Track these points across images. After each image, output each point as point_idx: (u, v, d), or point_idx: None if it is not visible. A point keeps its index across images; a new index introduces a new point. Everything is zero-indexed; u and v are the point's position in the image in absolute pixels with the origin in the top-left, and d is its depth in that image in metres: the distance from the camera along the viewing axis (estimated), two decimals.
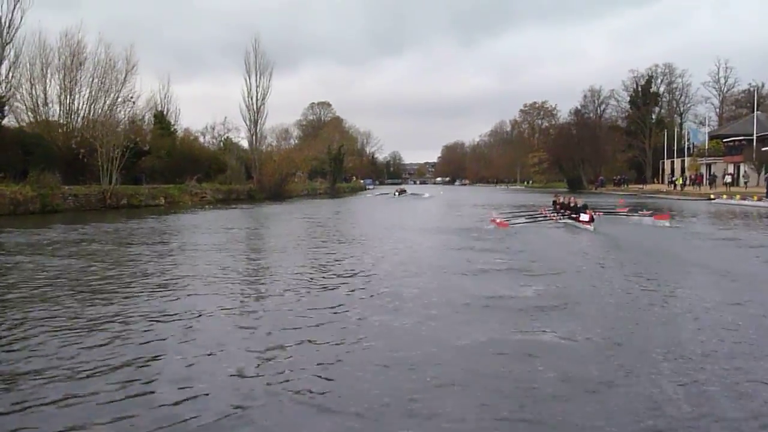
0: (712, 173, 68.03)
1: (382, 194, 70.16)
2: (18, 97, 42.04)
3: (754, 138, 61.02)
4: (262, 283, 10.76)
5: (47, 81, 44.73)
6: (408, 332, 7.21)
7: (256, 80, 59.73)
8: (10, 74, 38.16)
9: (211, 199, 48.06)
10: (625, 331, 7.18)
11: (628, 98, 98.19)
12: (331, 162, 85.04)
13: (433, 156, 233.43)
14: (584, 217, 20.44)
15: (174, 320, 7.84)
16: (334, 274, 11.51)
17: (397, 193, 62.18)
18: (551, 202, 28.05)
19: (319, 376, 5.67)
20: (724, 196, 39.87)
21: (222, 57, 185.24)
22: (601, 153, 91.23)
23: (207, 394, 5.20)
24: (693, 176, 66.79)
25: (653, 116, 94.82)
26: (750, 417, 4.70)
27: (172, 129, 59.37)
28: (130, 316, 8.07)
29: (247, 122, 60.49)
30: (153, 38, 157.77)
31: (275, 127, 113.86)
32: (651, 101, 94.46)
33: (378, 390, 5.26)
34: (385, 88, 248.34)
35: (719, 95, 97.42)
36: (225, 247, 16.33)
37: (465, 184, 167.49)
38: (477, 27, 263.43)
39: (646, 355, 6.17)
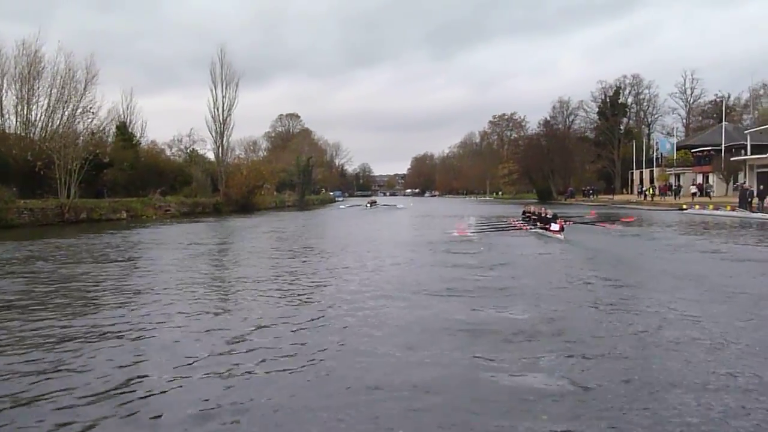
0: (677, 183, 68.34)
1: (353, 206, 69.66)
2: None
3: (723, 148, 61.40)
4: (220, 309, 9.66)
5: (3, 91, 43.15)
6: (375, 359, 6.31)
7: (223, 91, 58.47)
8: None
9: (175, 212, 46.59)
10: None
11: (597, 109, 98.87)
12: (300, 174, 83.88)
13: (402, 168, 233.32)
14: (555, 226, 21.12)
15: (113, 353, 6.81)
16: (306, 299, 10.51)
17: (369, 205, 63.03)
18: (521, 212, 29.10)
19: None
20: (697, 206, 39.63)
21: (193, 70, 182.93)
22: (571, 164, 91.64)
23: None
24: (661, 186, 66.98)
25: (622, 127, 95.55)
26: None
27: (136, 141, 57.78)
28: (60, 345, 7.02)
29: (213, 134, 59.13)
30: (123, 51, 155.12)
31: (244, 139, 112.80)
32: (619, 112, 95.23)
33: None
34: (357, 101, 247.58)
35: (686, 106, 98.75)
36: (183, 265, 15.15)
37: (435, 196, 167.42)
38: (450, 41, 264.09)
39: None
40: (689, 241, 20.08)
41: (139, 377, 5.98)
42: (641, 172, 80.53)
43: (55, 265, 15.37)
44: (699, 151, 68.77)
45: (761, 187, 39.44)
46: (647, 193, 61.55)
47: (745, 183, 54.23)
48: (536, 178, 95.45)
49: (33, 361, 6.56)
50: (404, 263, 14.79)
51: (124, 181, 49.55)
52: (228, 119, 58.82)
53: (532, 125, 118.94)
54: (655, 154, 77.20)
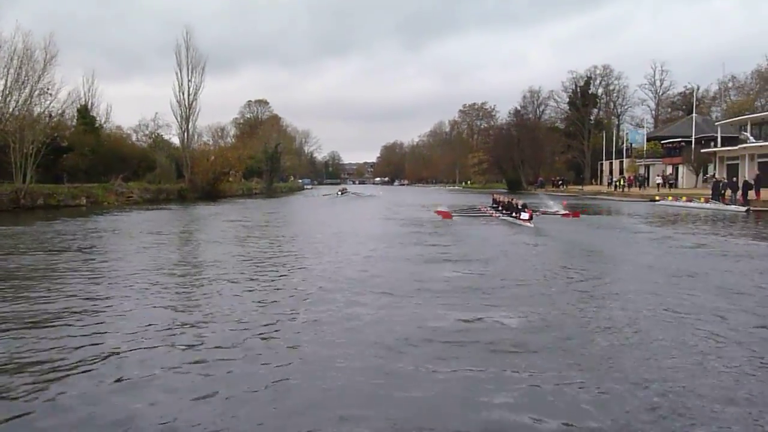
0: (642, 174, 68.46)
1: (324, 194, 69.48)
2: None
3: (693, 140, 61.54)
4: (175, 309, 8.67)
5: None
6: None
7: (188, 75, 56.72)
8: None
9: (138, 199, 45.06)
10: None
11: (567, 99, 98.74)
12: (268, 161, 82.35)
13: (372, 156, 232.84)
14: (524, 215, 22.18)
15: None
16: (270, 302, 9.55)
17: (339, 193, 64.48)
18: (491, 201, 30.24)
19: None
20: (670, 198, 39.26)
21: (162, 58, 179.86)
22: (540, 154, 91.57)
23: None
24: (629, 178, 66.93)
25: (592, 118, 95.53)
26: None
27: (98, 125, 55.84)
28: None
29: (179, 118, 57.31)
30: (90, 36, 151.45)
31: (212, 125, 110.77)
32: (590, 102, 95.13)
33: None
34: (327, 90, 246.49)
35: (655, 98, 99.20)
36: (136, 257, 14.08)
37: (404, 185, 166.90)
38: (422, 31, 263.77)
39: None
40: (669, 235, 19.46)
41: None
42: (611, 163, 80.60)
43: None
44: (669, 143, 68.93)
45: (734, 179, 39.25)
46: (618, 184, 61.38)
47: (715, 174, 54.49)
48: (506, 168, 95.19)
49: None
50: (376, 258, 13.85)
51: (85, 167, 47.86)
52: (194, 104, 57.15)
53: (503, 115, 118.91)
54: (625, 144, 77.28)
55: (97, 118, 58.71)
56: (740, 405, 4.86)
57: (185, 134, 57.63)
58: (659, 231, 20.92)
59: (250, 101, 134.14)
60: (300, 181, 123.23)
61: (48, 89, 41.38)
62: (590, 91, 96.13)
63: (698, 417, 4.60)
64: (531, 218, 21.79)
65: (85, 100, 55.92)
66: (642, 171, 70.77)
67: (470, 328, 7.20)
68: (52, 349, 6.41)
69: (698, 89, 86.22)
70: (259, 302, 8.83)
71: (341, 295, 9.13)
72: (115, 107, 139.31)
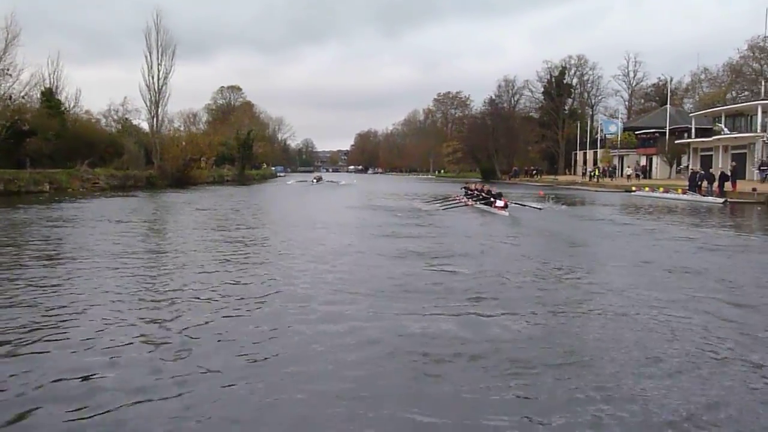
0: (612, 165, 68.52)
1: (298, 182, 68.52)
2: None
3: (667, 131, 61.62)
4: (129, 308, 7.87)
5: None
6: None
7: (158, 58, 55.12)
8: None
9: (104, 185, 43.64)
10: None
11: (542, 89, 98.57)
12: (240, 148, 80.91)
13: (346, 144, 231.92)
14: (499, 203, 22.62)
15: None
16: (237, 303, 8.76)
17: (314, 180, 64.22)
18: (462, 188, 30.56)
19: None
20: (646, 189, 38.99)
21: (136, 42, 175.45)
22: (515, 144, 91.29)
23: None
24: (602, 168, 66.85)
25: (566, 108, 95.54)
26: None
27: (64, 109, 54.01)
28: None
29: (148, 103, 55.71)
30: (61, 18, 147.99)
31: (185, 112, 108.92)
32: (564, 92, 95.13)
33: None
34: (303, 77, 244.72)
35: (628, 89, 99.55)
36: (88, 249, 13.18)
37: (378, 173, 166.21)
38: (400, 19, 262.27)
39: None
40: (653, 227, 18.98)
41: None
42: (585, 153, 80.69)
43: None
44: (644, 133, 69.04)
45: (709, 170, 39.18)
46: (593, 174, 61.27)
47: (689, 165, 54.62)
48: (480, 158, 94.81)
49: None
50: (352, 253, 13.12)
51: (49, 151, 46.17)
52: (164, 88, 55.52)
53: (478, 104, 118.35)
54: (599, 135, 77.33)
55: (64, 102, 56.85)
56: None
57: (154, 119, 56.10)
58: (641, 223, 20.47)
59: (222, 87, 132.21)
60: (273, 168, 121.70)
61: (8, 70, 39.89)
62: (565, 81, 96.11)
63: None
64: (506, 206, 22.18)
65: (50, 83, 54.05)
66: (615, 162, 70.87)
67: (460, 337, 6.40)
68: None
69: (672, 81, 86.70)
70: (216, 305, 8.05)
71: (311, 300, 8.38)
72: (88, 92, 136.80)
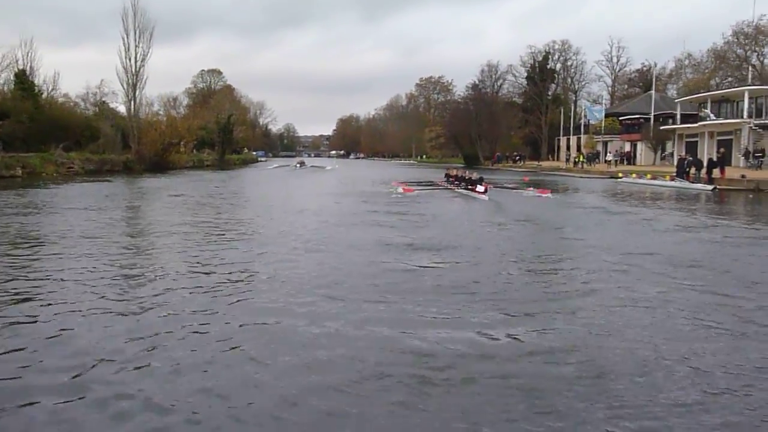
0: (596, 151, 67.98)
1: (280, 166, 68.56)
2: None
3: (652, 117, 61.15)
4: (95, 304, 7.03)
5: None
6: None
7: (136, 40, 53.71)
8: None
9: (79, 170, 42.41)
10: None
11: (526, 74, 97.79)
12: (220, 132, 79.53)
13: (328, 129, 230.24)
14: (480, 188, 23.40)
15: None
16: (209, 306, 7.96)
17: (298, 165, 64.67)
18: (444, 175, 31.04)
19: None
20: (633, 175, 38.40)
21: (116, 25, 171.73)
22: (498, 129, 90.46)
23: None
24: (587, 153, 66.26)
25: (549, 93, 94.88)
26: None
27: (38, 91, 52.48)
28: None
29: (125, 86, 54.34)
30: (40, 2, 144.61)
31: (165, 95, 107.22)
32: (548, 78, 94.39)
33: None
34: (284, 61, 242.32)
35: (612, 74, 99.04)
36: (44, 238, 12.28)
37: (360, 158, 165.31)
38: (380, 3, 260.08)
39: None
40: (649, 216, 18.33)
41: None
42: (568, 139, 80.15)
43: None
44: (627, 119, 68.53)
45: (696, 156, 38.76)
46: (577, 160, 60.67)
47: (673, 152, 54.27)
48: (463, 143, 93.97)
49: None
50: (334, 244, 12.34)
51: (22, 135, 44.83)
52: (141, 71, 54.21)
53: (460, 89, 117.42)
54: (582, 121, 76.79)
55: (41, 85, 55.43)
56: None
57: (132, 103, 54.79)
58: (635, 211, 19.82)
59: (203, 71, 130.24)
60: (254, 153, 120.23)
61: None
62: (548, 67, 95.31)
63: None
64: (486, 191, 23.15)
65: (24, 64, 52.49)
66: (599, 147, 70.41)
67: (460, 353, 5.50)
68: None
69: (655, 66, 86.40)
70: (203, 297, 7.24)
71: (290, 299, 7.59)
72: (68, 75, 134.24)
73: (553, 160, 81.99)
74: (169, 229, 13.52)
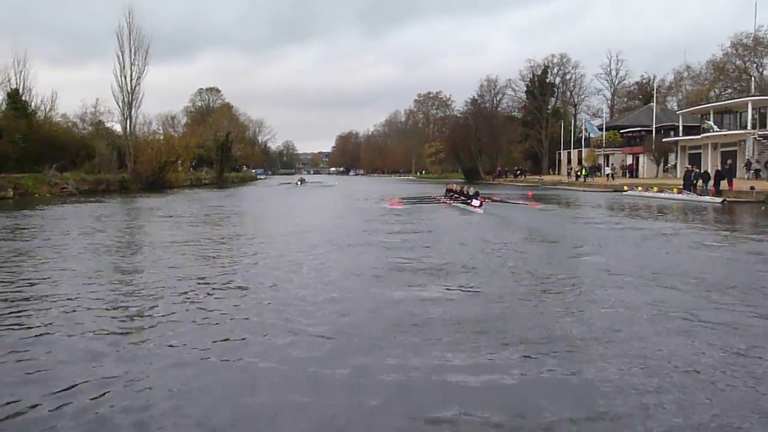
0: (598, 164, 67.29)
1: (282, 183, 68.86)
2: None
3: (653, 129, 60.55)
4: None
5: None
6: None
7: (131, 58, 53.23)
8: None
9: (73, 190, 41.58)
10: None
11: (525, 88, 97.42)
12: (218, 150, 78.90)
13: (327, 146, 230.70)
14: (475, 202, 24.22)
15: None
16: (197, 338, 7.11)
17: (299, 183, 64.67)
18: (445, 190, 31.60)
19: None
20: (639, 188, 37.55)
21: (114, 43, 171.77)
22: (498, 143, 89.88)
23: None
24: (589, 167, 65.53)
25: (549, 107, 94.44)
26: None
27: (31, 110, 51.81)
28: None
29: (120, 104, 53.80)
30: (43, 20, 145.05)
31: (163, 114, 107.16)
32: (547, 91, 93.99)
33: None
34: (285, 77, 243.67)
35: (611, 87, 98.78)
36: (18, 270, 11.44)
37: (359, 174, 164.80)
38: (382, 18, 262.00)
39: None
40: (668, 231, 17.47)
41: None
42: (569, 153, 79.59)
43: None
44: (629, 132, 67.97)
45: (697, 167, 38.01)
46: (580, 174, 59.93)
47: (676, 164, 53.61)
48: (463, 158, 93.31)
49: None
50: (336, 272, 11.51)
51: (16, 155, 44.19)
52: (137, 89, 53.73)
53: (460, 104, 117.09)
54: (583, 134, 76.25)
55: (39, 105, 54.85)
56: None
57: (127, 121, 54.20)
58: (648, 226, 18.92)
59: (201, 89, 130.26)
60: (253, 171, 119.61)
61: None
62: (548, 80, 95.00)
63: None
64: (481, 205, 23.90)
65: (17, 83, 51.83)
66: (601, 160, 69.78)
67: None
68: None
69: (655, 79, 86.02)
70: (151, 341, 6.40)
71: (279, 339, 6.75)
72: (72, 94, 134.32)
73: (555, 174, 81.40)
74: (157, 256, 12.63)
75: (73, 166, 47.91)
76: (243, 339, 6.30)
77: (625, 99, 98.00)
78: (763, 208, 25.99)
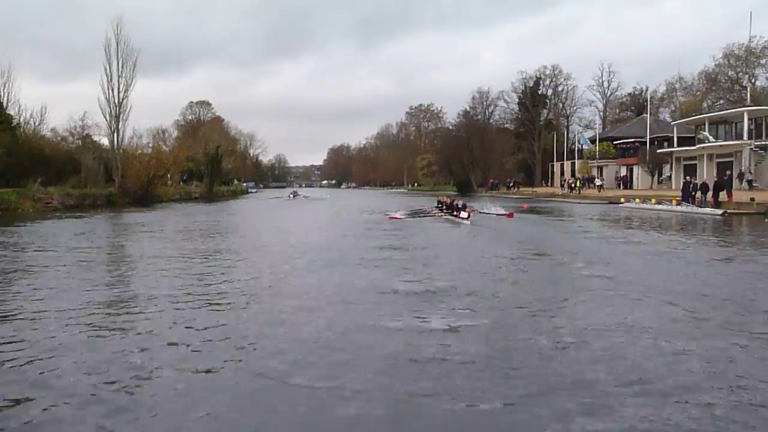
0: (591, 175, 66.65)
1: (275, 197, 68.19)
2: None
3: (647, 140, 60.03)
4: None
5: None
6: None
7: (119, 70, 52.20)
8: None
9: (58, 205, 40.56)
10: None
11: (517, 100, 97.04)
12: (208, 163, 77.87)
13: (319, 159, 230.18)
14: (463, 214, 24.97)
15: None
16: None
17: (291, 196, 65.42)
18: (436, 201, 31.93)
19: None
20: (636, 201, 36.82)
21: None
22: (491, 155, 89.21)
23: None
24: (583, 178, 64.82)
25: (542, 119, 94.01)
26: None
27: (16, 124, 50.67)
28: None
29: (108, 117, 52.63)
30: (38, 36, 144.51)
31: (154, 128, 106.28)
32: (539, 103, 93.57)
33: None
34: (278, 91, 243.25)
35: (603, 99, 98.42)
36: None
37: (351, 187, 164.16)
38: (377, 31, 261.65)
39: None
40: (670, 247, 16.68)
41: None
42: (562, 165, 79.03)
43: None
44: (623, 143, 67.45)
45: (697, 180, 37.32)
46: (573, 185, 59.17)
47: (671, 175, 53.03)
48: (456, 170, 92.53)
49: None
50: (324, 296, 10.65)
51: (0, 170, 43.09)
52: (125, 101, 52.63)
53: (452, 116, 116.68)
54: (576, 146, 75.73)
55: (26, 118, 53.74)
56: None
57: (115, 134, 53.07)
58: (652, 240, 18.14)
59: (192, 102, 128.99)
60: (244, 184, 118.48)
61: None
62: (540, 92, 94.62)
63: None
64: (469, 216, 24.67)
65: (0, 97, 50.68)
66: (594, 172, 69.18)
67: None
68: None
69: (647, 90, 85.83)
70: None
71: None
72: (65, 108, 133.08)
73: (548, 185, 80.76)
74: (133, 281, 11.69)
75: (59, 181, 46.81)
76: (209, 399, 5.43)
77: (618, 110, 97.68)
78: (766, 220, 25.27)
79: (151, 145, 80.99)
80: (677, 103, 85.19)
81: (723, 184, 32.80)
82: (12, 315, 8.20)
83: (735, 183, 42.18)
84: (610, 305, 8.44)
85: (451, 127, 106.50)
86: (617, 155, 68.02)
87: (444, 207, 28.62)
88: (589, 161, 71.20)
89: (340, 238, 19.09)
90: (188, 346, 6.59)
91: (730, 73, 74.00)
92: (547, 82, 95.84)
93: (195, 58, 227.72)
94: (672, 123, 61.55)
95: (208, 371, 5.70)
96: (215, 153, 79.90)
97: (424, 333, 7.02)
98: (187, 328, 7.40)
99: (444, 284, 10.11)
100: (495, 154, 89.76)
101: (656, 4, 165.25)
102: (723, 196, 31.70)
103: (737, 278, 11.04)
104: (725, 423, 4.42)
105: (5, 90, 50.87)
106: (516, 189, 75.85)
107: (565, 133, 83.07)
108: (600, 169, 68.87)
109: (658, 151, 57.63)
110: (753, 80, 70.17)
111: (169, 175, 59.93)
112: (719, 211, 28.51)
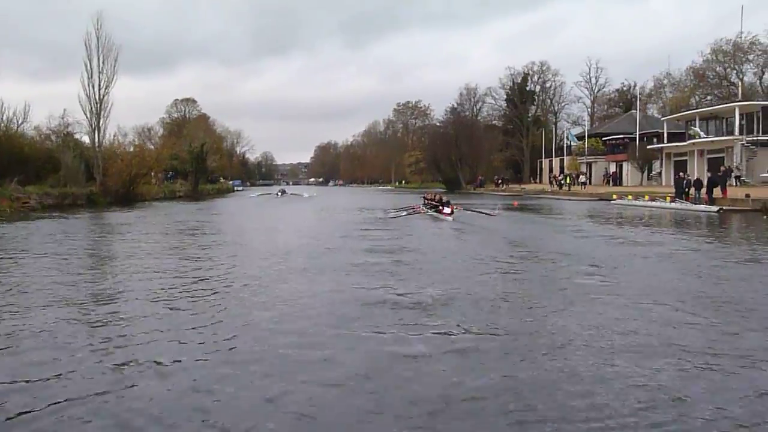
0: (580, 172, 66.19)
1: (262, 195, 67.69)
2: None
3: (637, 136, 59.53)
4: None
5: None
6: None
7: (99, 66, 50.90)
8: None
9: (35, 205, 39.32)
10: None
11: (505, 96, 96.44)
12: (193, 161, 76.64)
13: (306, 157, 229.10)
14: (447, 210, 25.27)
15: None
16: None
17: (279, 194, 64.76)
18: (422, 198, 32.22)
19: None
20: (629, 197, 36.13)
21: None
22: (479, 152, 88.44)
23: None
24: (574, 176, 64.25)
25: (530, 115, 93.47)
26: None
27: None
28: None
29: (88, 114, 51.33)
30: (24, 37, 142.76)
31: (140, 126, 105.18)
32: (527, 99, 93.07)
33: None
34: (266, 90, 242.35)
35: (591, 95, 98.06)
36: None
37: (338, 185, 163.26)
38: (364, 30, 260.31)
39: None
40: (682, 246, 15.93)
41: None
42: (551, 161, 78.56)
43: None
44: (612, 140, 66.96)
45: (691, 176, 36.75)
46: (563, 182, 58.54)
47: (661, 171, 52.54)
48: (444, 167, 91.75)
49: None
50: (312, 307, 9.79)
51: None
52: (105, 98, 51.37)
53: (439, 113, 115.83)
54: (564, 142, 75.28)
55: (9, 116, 52.56)
56: None
57: (96, 132, 51.81)
58: (654, 240, 17.32)
59: (176, 100, 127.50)
60: (231, 182, 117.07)
61: None
62: (528, 88, 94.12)
63: None
64: (452, 213, 24.98)
65: None
66: (584, 168, 68.70)
67: None
68: None
69: (635, 86, 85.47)
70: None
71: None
72: (51, 107, 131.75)
73: (536, 182, 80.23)
74: (101, 291, 10.80)
75: (38, 180, 45.56)
76: None
77: (606, 107, 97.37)
78: (765, 217, 24.62)
79: (135, 142, 79.89)
80: (665, 99, 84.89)
81: (717, 180, 32.15)
82: None
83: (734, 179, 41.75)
84: (620, 322, 7.63)
85: (438, 124, 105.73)
86: (606, 152, 67.53)
87: (429, 203, 28.97)
88: (578, 158, 70.67)
89: (328, 243, 18.22)
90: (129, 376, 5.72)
91: (718, 68, 73.66)
92: (535, 78, 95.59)
93: (183, 56, 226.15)
94: (662, 119, 61.16)
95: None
96: (200, 150, 78.64)
97: (417, 357, 6.14)
98: (133, 356, 6.53)
99: (432, 294, 9.26)
100: (483, 151, 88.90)
101: (643, 3, 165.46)
102: (717, 192, 31.08)
103: (750, 282, 10.27)
104: None
105: None
106: (504, 186, 75.23)
107: (554, 129, 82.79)
108: (589, 165, 68.42)
109: (648, 147, 57.13)
110: (741, 76, 69.87)
111: (152, 174, 58.72)
112: (714, 208, 27.90)
